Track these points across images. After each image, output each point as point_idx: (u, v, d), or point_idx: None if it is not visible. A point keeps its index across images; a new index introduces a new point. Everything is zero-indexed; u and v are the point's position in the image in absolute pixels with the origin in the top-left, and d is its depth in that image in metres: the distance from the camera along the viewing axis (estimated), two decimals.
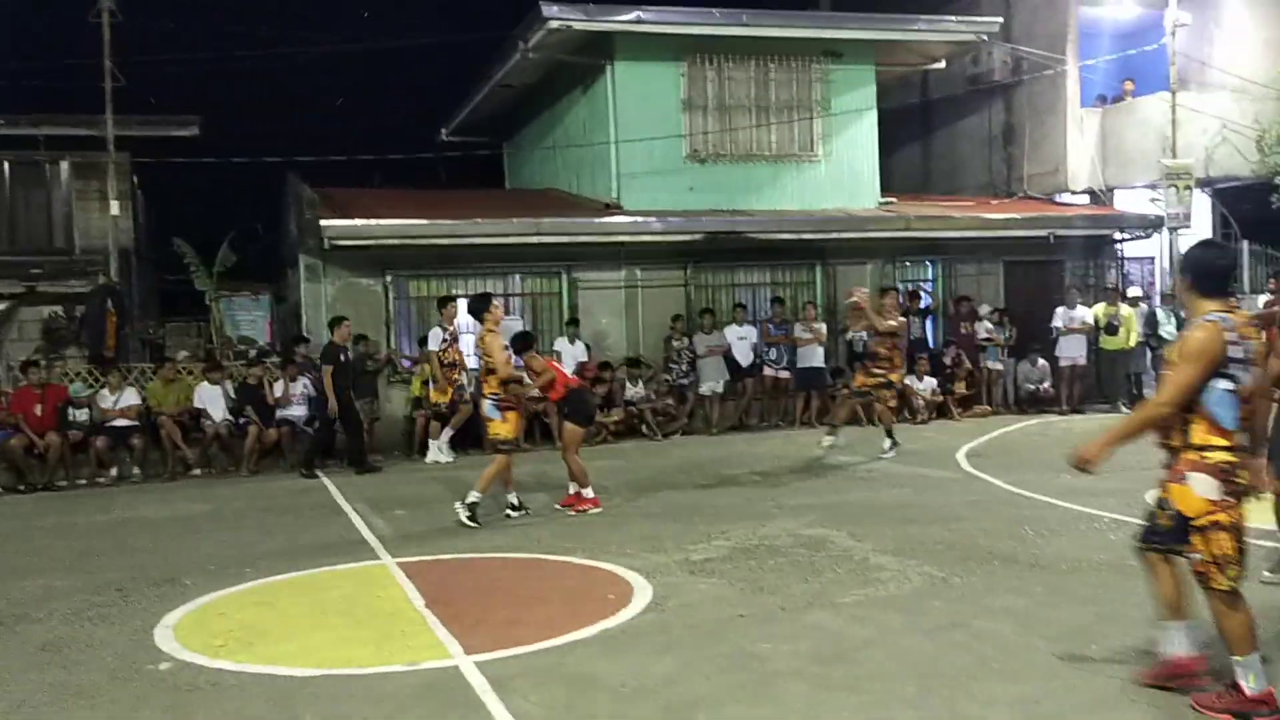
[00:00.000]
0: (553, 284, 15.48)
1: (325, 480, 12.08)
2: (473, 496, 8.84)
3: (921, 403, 15.16)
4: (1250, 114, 17.80)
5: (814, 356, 15.15)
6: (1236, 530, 4.15)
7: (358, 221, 14.24)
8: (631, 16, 15.27)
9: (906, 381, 15.22)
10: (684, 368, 15.00)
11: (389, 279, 14.77)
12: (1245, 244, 18.56)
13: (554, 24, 14.94)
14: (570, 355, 14.20)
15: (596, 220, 15.45)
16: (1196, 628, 4.47)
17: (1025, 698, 4.57)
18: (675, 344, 15.02)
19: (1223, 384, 4.10)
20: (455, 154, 21.50)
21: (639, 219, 15.39)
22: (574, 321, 14.81)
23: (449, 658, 5.41)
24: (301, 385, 13.45)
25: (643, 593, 6.51)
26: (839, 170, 16.83)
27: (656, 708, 4.62)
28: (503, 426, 9.07)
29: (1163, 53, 17.14)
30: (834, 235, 16.14)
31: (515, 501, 9.23)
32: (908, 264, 17.22)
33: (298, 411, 13.39)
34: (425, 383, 13.88)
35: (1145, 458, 10.57)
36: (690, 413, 15.10)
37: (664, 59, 16.03)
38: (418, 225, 14.52)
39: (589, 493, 9.33)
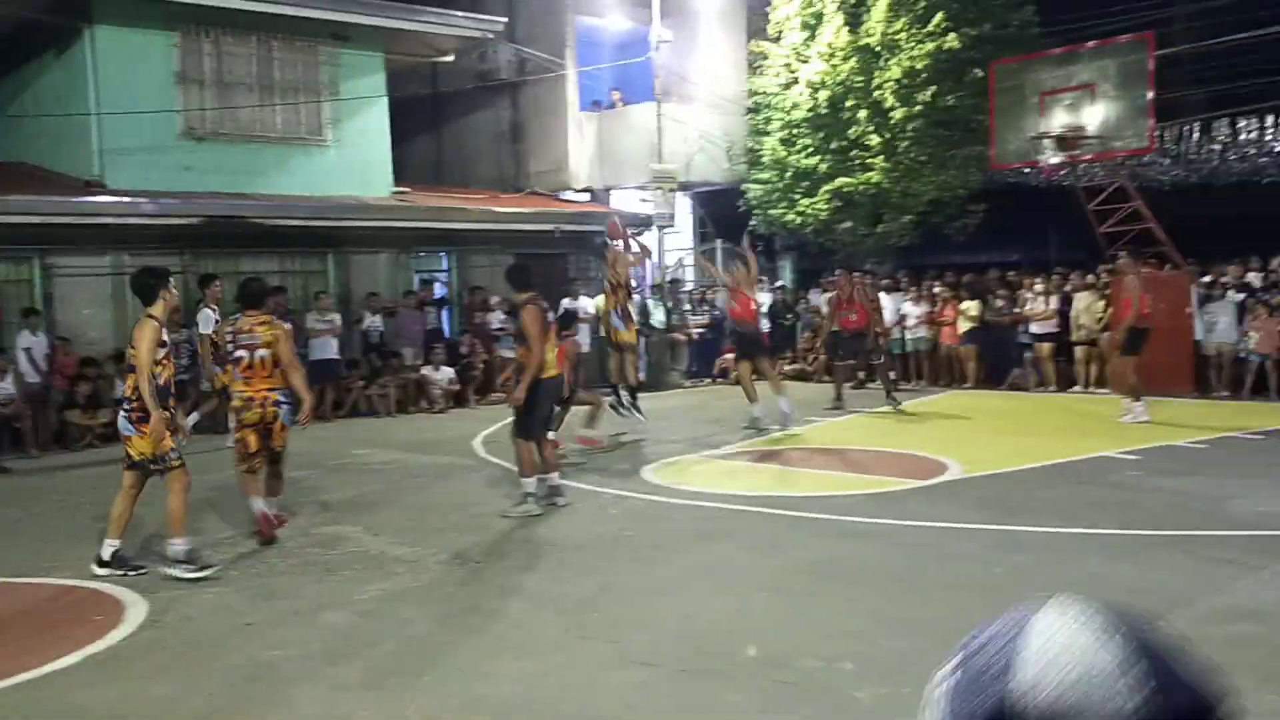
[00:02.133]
0: (21, 271, 13.57)
1: None
2: (174, 547, 6.63)
3: (439, 392, 15.32)
4: (722, 126, 20.05)
5: (328, 348, 14.71)
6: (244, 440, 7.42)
7: None
8: None
9: (424, 372, 15.36)
10: (184, 362, 13.86)
11: None
12: (719, 242, 20.89)
13: None
14: (38, 348, 12.62)
15: (75, 200, 13.78)
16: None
17: (534, 671, 4.76)
18: (172, 337, 13.84)
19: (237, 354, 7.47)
20: None
21: (126, 199, 13.96)
22: (34, 311, 13.08)
23: None
24: None
25: (136, 610, 5.92)
26: (350, 156, 16.49)
27: None
28: (145, 441, 6.64)
29: (650, 65, 18.75)
30: (346, 223, 15.79)
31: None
32: (422, 254, 17.32)
33: None
34: None
35: (638, 437, 11.48)
36: (191, 409, 14.01)
37: (153, 27, 14.67)
38: None
39: None
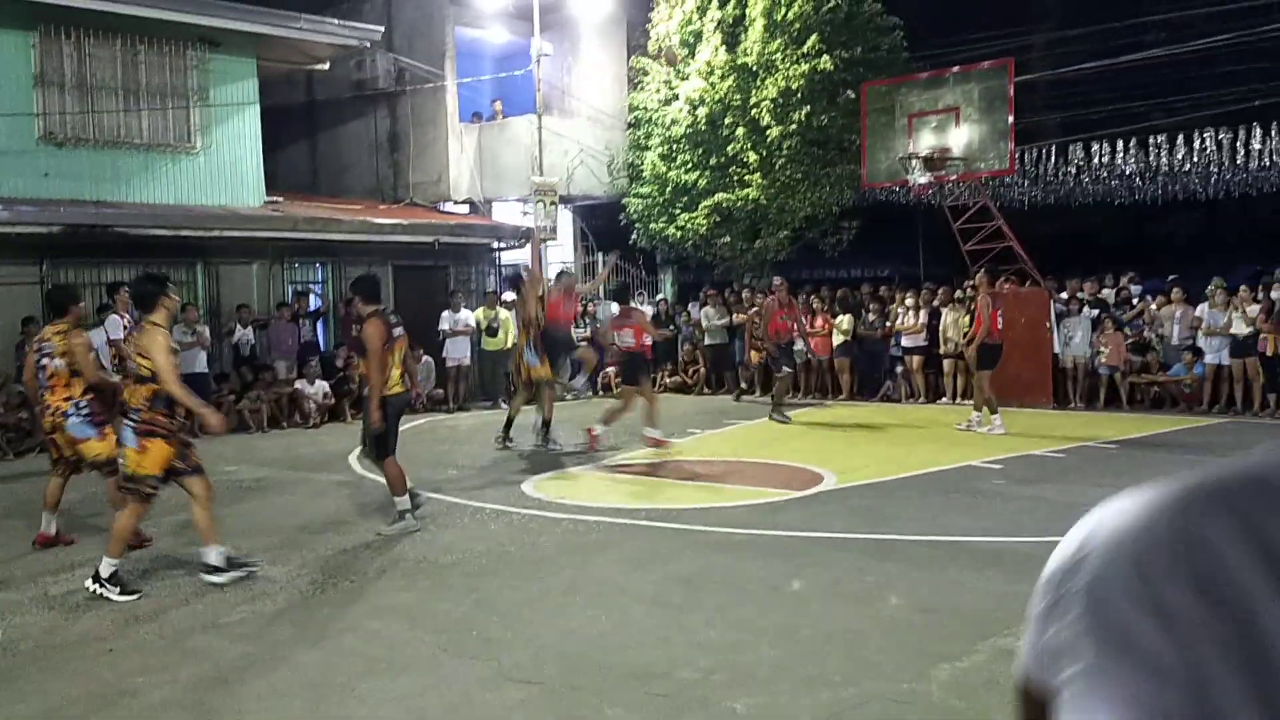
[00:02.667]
0: None
1: None
2: (107, 563, 6.38)
3: (313, 406, 14.97)
4: (603, 140, 20.17)
5: (195, 362, 14.23)
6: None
7: None
8: None
9: (297, 385, 15.00)
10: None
11: None
12: (601, 255, 20.99)
13: None
14: None
15: None
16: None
17: (411, 692, 4.71)
18: (30, 349, 13.22)
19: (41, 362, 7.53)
20: None
21: None
22: None
23: None
24: None
25: None
26: (220, 164, 16.03)
27: None
28: (141, 458, 6.44)
29: (530, 78, 18.75)
30: (216, 233, 15.33)
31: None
32: (297, 265, 16.93)
33: None
34: None
35: (519, 451, 11.45)
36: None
37: (9, 27, 14.04)
38: None
39: None
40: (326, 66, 18.46)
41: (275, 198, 16.87)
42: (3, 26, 13.99)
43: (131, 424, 6.42)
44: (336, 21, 17.25)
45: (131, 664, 5.19)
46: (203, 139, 15.87)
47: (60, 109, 14.55)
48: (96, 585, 6.33)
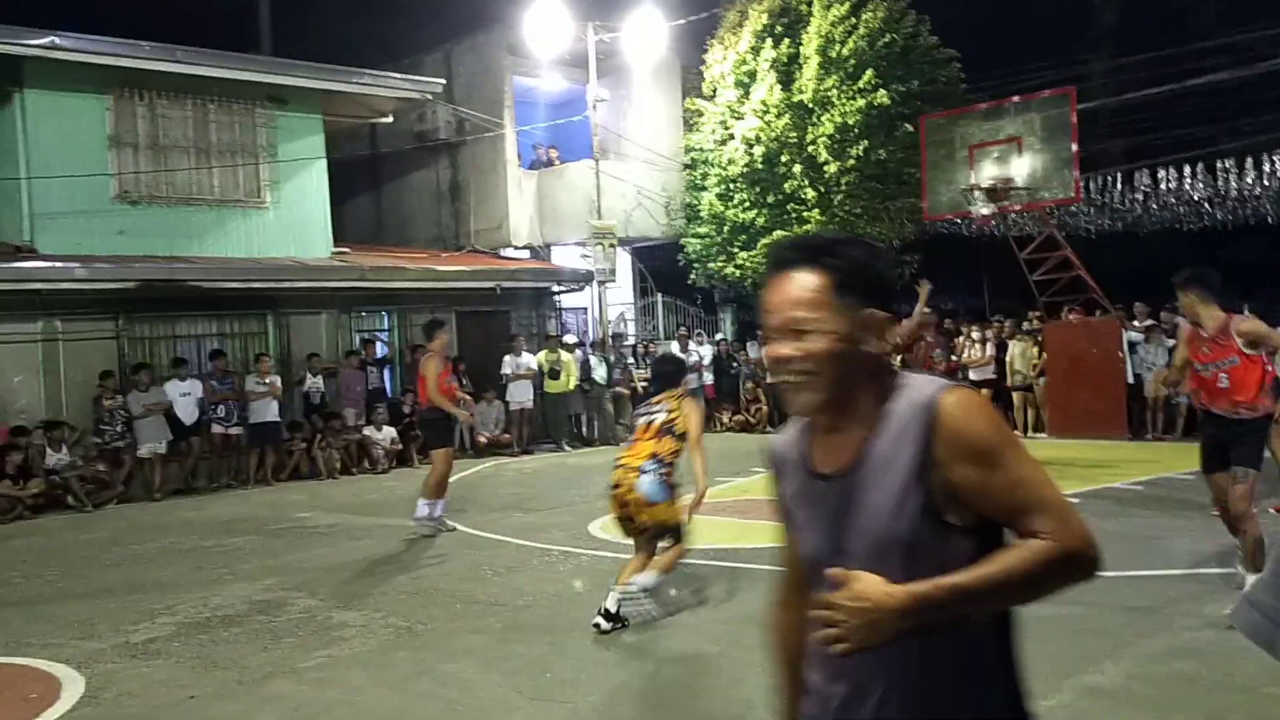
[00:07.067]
0: None
1: None
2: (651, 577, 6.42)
3: (381, 452, 15.14)
4: (659, 182, 20.29)
5: (268, 411, 14.52)
6: None
7: None
8: (45, 41, 13.69)
9: (366, 432, 15.18)
10: (118, 429, 13.59)
11: None
12: (660, 296, 21.07)
13: None
14: None
15: (4, 265, 13.53)
16: None
17: None
18: (107, 403, 13.56)
19: None
20: None
21: (58, 264, 13.74)
22: None
23: None
24: None
25: (74, 686, 5.73)
26: (289, 218, 16.42)
27: None
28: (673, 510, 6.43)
29: (587, 124, 18.97)
30: (286, 284, 15.66)
31: None
32: (363, 314, 17.22)
33: None
34: None
35: (585, 493, 11.43)
36: (127, 478, 13.69)
37: (86, 90, 14.57)
38: None
39: None
40: (390, 119, 18.88)
41: (342, 249, 17.22)
42: (79, 90, 14.51)
43: (661, 475, 6.22)
44: (399, 75, 17.67)
45: (212, 711, 5.25)
46: (272, 194, 16.28)
47: (134, 168, 15.03)
48: (638, 597, 6.23)
